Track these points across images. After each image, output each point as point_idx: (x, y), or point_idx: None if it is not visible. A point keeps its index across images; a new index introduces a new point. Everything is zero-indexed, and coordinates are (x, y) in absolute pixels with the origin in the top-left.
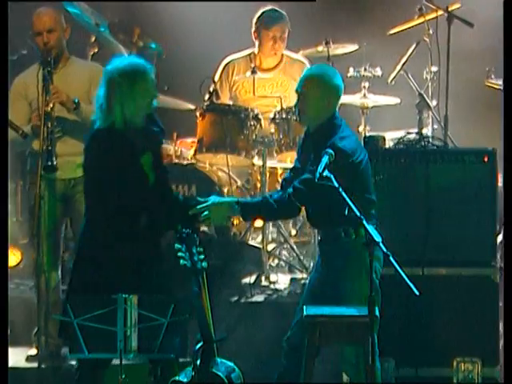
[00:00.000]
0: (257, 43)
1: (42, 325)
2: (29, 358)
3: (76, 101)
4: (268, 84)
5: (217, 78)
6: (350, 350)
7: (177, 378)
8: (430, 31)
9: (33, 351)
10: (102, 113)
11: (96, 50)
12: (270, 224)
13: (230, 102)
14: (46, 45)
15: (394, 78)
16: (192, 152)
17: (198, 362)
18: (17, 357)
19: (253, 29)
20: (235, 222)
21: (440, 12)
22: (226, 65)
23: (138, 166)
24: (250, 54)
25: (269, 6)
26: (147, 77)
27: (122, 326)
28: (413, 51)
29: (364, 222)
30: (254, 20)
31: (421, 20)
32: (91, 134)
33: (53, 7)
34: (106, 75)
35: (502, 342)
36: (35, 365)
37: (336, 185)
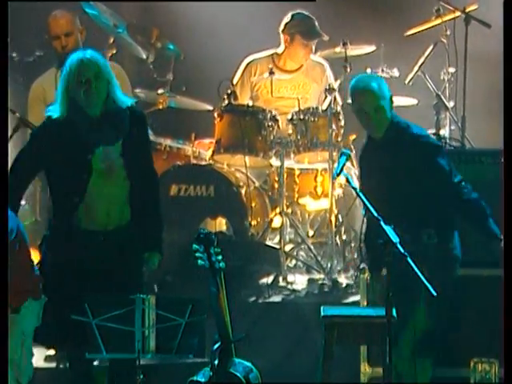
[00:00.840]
0: (284, 45)
1: None
2: (47, 358)
3: None
4: (290, 85)
5: (238, 77)
6: (405, 345)
7: (195, 378)
8: (448, 32)
9: (51, 351)
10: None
11: (114, 52)
12: (288, 224)
13: (250, 103)
14: (64, 48)
15: (412, 78)
16: (210, 153)
17: (216, 362)
18: (36, 356)
19: (282, 29)
20: (253, 223)
21: (457, 13)
22: (248, 64)
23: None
24: (272, 55)
25: (301, 11)
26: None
27: (140, 326)
28: (430, 52)
29: (381, 223)
30: (287, 21)
31: (438, 21)
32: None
33: (68, 9)
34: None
35: None
36: (53, 365)
37: (353, 185)
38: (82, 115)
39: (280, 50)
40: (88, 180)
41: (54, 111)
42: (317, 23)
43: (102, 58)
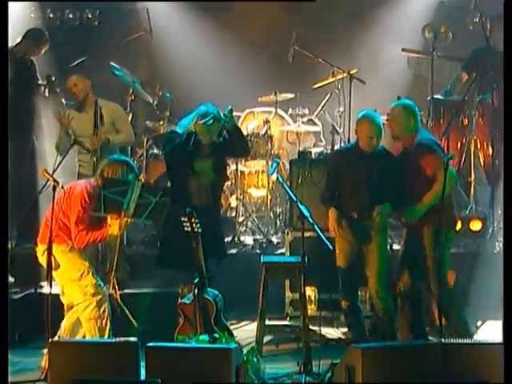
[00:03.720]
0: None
1: None
2: None
3: (109, 139)
4: None
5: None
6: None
7: (182, 300)
8: (339, 86)
9: None
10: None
11: (133, 98)
12: (241, 205)
13: None
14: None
15: (317, 114)
16: None
17: (196, 291)
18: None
19: None
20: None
21: (345, 74)
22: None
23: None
24: None
25: None
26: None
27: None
28: (328, 98)
29: (297, 204)
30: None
31: (333, 79)
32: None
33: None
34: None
35: None
36: None
37: (280, 180)
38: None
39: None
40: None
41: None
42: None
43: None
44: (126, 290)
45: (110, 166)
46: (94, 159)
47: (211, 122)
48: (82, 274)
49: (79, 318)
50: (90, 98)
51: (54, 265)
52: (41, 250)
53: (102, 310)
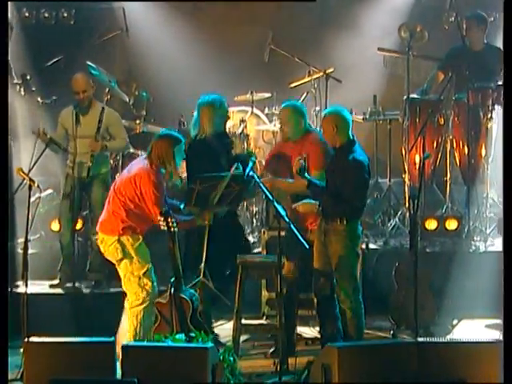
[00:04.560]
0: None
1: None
2: (51, 286)
3: (107, 145)
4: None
5: None
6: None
7: (158, 299)
8: (315, 85)
9: (55, 281)
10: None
11: (109, 97)
12: None
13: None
14: (82, 99)
15: None
16: None
17: (172, 290)
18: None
19: None
20: None
21: (321, 73)
22: None
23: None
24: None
25: None
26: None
27: None
28: (305, 97)
29: (274, 203)
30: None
31: (309, 78)
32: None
33: (85, 73)
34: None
35: None
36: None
37: (257, 180)
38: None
39: None
40: None
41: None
42: None
43: None
44: (104, 290)
45: (156, 144)
46: (89, 163)
47: None
48: (144, 272)
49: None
50: (93, 102)
51: (121, 255)
52: (108, 241)
53: (151, 310)
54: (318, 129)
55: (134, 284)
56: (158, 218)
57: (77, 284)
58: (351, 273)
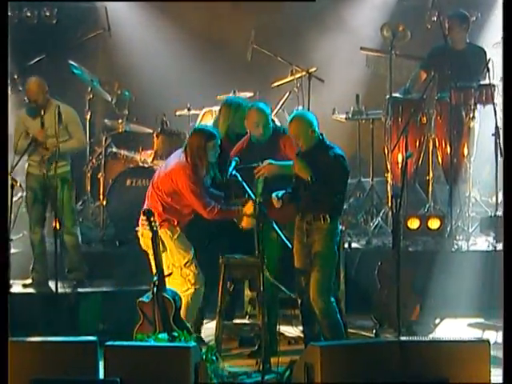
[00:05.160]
0: None
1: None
2: (25, 286)
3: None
4: None
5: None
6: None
7: (141, 299)
8: (298, 84)
9: (28, 280)
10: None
11: (91, 96)
12: None
13: (176, 129)
14: (34, 103)
15: (276, 113)
16: (151, 159)
17: (155, 289)
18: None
19: None
20: None
21: (303, 73)
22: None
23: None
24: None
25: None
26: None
27: None
28: (287, 97)
29: (257, 203)
30: None
31: (292, 78)
32: None
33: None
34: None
35: None
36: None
37: (239, 179)
38: None
39: None
40: None
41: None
42: None
43: None
44: (86, 289)
45: (190, 138)
46: (47, 162)
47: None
48: (185, 263)
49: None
50: (48, 102)
51: (161, 248)
52: (147, 235)
53: (198, 294)
54: None
55: (177, 275)
56: (141, 217)
57: (51, 283)
58: (329, 272)
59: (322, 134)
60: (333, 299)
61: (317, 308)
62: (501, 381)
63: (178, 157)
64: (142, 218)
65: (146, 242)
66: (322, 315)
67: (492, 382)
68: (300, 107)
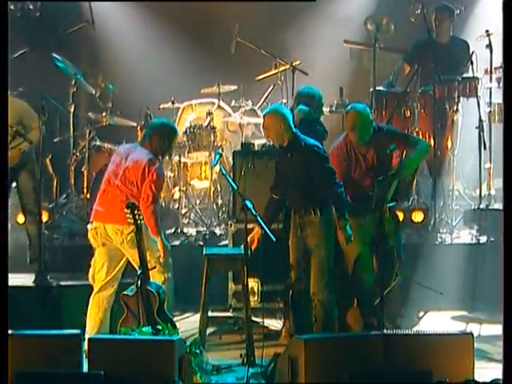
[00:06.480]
0: None
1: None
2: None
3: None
4: None
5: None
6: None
7: (125, 292)
8: (282, 77)
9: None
10: None
11: (75, 90)
12: (184, 196)
13: None
14: None
15: (260, 106)
16: None
17: (139, 283)
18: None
19: None
20: (162, 196)
21: (287, 66)
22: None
23: None
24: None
25: None
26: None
27: None
28: (271, 90)
29: (241, 196)
30: None
31: (276, 71)
32: None
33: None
34: None
35: None
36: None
37: (223, 172)
38: None
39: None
40: None
41: None
42: None
43: None
44: (68, 282)
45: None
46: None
47: None
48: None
49: None
50: None
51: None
52: (125, 230)
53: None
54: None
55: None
56: (125, 210)
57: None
58: (327, 266)
59: (296, 129)
60: (332, 292)
61: (316, 300)
62: (484, 373)
63: (141, 150)
64: (126, 211)
65: (124, 239)
66: (320, 307)
67: (475, 374)
68: (284, 100)
